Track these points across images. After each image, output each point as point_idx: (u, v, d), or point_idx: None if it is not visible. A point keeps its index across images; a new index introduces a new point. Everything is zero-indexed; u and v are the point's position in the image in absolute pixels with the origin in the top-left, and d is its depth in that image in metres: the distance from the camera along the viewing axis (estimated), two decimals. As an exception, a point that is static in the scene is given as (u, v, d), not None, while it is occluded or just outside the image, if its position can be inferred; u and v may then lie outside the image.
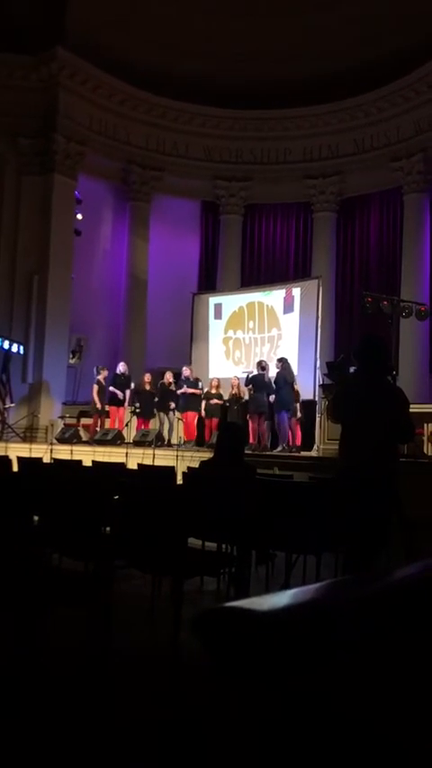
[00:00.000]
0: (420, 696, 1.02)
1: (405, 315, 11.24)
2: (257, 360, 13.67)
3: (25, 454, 10.49)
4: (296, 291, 15.32)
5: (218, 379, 13.72)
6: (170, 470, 6.20)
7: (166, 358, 16.09)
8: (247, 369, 13.70)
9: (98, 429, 13.53)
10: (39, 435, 14.99)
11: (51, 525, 3.98)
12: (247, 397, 12.73)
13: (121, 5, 16.23)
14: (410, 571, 1.17)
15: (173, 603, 3.55)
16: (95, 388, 13.69)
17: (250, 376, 12.47)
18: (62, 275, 16.20)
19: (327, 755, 0.88)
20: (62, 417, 15.03)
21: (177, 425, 13.27)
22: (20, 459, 7.07)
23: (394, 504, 4.35)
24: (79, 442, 13.17)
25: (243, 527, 4.20)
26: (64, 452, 11.61)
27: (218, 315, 16.49)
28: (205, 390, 13.34)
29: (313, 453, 11.76)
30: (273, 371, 12.42)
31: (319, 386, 12.70)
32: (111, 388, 13.62)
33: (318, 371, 13.57)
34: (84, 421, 14.47)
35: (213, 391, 13.30)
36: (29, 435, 14.87)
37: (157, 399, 13.41)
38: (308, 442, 12.46)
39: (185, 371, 13.40)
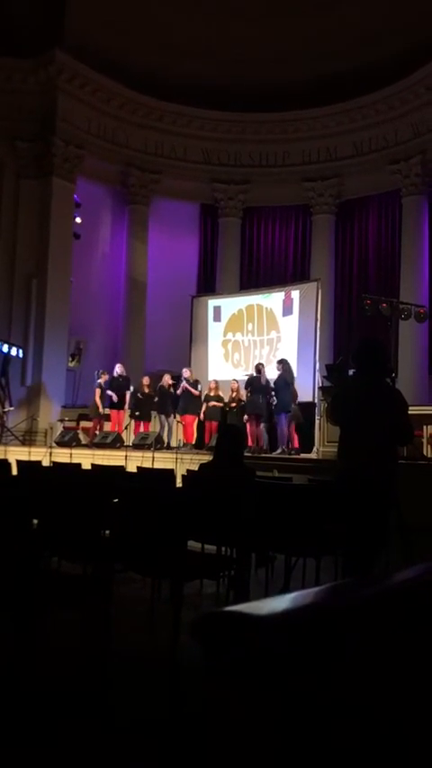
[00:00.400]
0: (421, 697, 1.02)
1: (404, 317, 11.24)
2: (257, 362, 13.68)
3: (24, 457, 10.50)
4: (295, 294, 15.34)
5: (216, 382, 13.72)
6: (169, 473, 6.20)
7: (166, 361, 16.09)
8: (247, 372, 13.72)
9: (97, 432, 13.54)
10: (38, 439, 14.99)
11: (50, 528, 3.98)
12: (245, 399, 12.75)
13: (120, 8, 16.26)
14: (410, 574, 1.17)
15: (172, 607, 3.54)
16: (98, 392, 13.71)
17: (249, 378, 12.49)
18: (61, 278, 16.21)
19: (327, 757, 0.88)
20: (61, 420, 15.03)
21: (177, 428, 13.28)
22: (19, 462, 7.07)
23: (393, 507, 4.35)
24: (78, 445, 13.17)
25: (242, 530, 4.20)
26: (63, 456, 11.60)
27: (217, 317, 16.50)
28: (204, 393, 13.35)
29: (312, 456, 11.76)
30: (272, 373, 12.44)
31: (319, 388, 12.71)
32: (108, 392, 13.64)
33: (317, 374, 13.58)
34: (83, 424, 14.48)
35: (212, 394, 13.30)
36: (28, 439, 14.86)
37: (156, 400, 13.43)
38: (307, 445, 12.46)
39: (185, 373, 13.42)
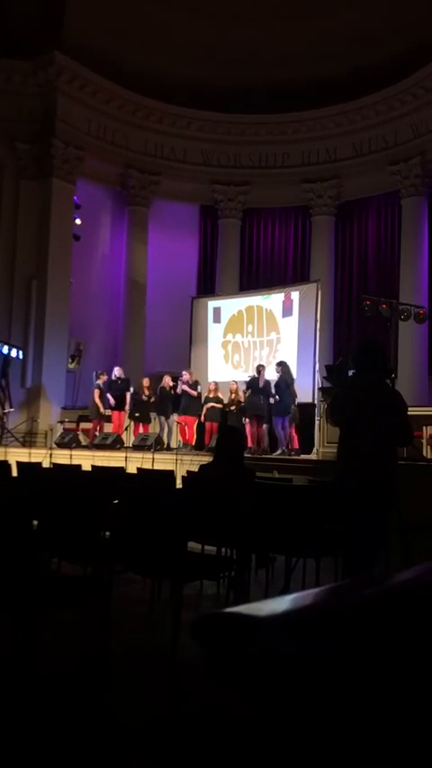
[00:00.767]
0: (421, 698, 1.02)
1: (403, 318, 11.23)
2: (257, 363, 13.68)
3: (24, 459, 10.50)
4: (295, 295, 15.34)
5: (216, 383, 13.72)
6: (170, 474, 6.20)
7: (166, 362, 16.10)
8: (247, 373, 13.72)
9: (97, 433, 13.54)
10: (38, 440, 14.99)
11: (50, 529, 3.98)
12: (244, 401, 12.76)
13: (119, 10, 16.26)
14: (410, 574, 1.17)
15: (172, 607, 3.55)
16: (96, 392, 13.72)
17: (250, 379, 12.49)
18: (61, 280, 16.22)
19: (327, 758, 0.88)
20: (61, 422, 15.03)
21: (176, 429, 13.28)
22: (19, 463, 7.07)
23: (393, 507, 4.35)
24: (78, 446, 13.17)
25: (242, 531, 4.20)
26: (63, 457, 11.60)
27: (217, 318, 16.50)
28: (204, 394, 13.34)
29: (312, 456, 11.76)
30: (271, 375, 12.43)
31: (319, 389, 12.72)
32: (107, 395, 13.66)
33: (317, 375, 13.59)
34: (83, 425, 14.49)
35: (212, 395, 13.30)
36: (28, 440, 14.86)
37: (154, 401, 13.43)
38: (307, 446, 12.46)
39: (185, 375, 13.41)
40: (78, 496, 4.09)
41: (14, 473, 6.34)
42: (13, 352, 15.09)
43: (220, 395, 13.33)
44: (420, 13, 14.94)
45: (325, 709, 0.88)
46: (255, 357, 15.53)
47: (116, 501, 4.11)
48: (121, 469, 7.50)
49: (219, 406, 13.12)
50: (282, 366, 12.24)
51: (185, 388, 13.07)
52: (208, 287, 18.58)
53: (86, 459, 10.58)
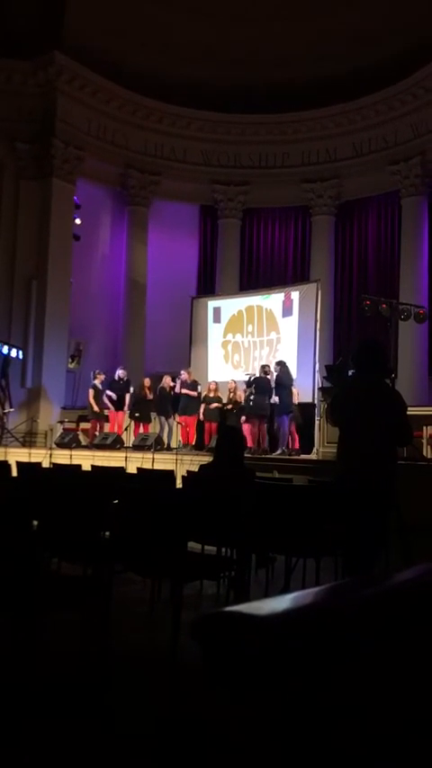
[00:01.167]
0: (421, 698, 1.02)
1: (403, 317, 11.23)
2: (257, 363, 13.69)
3: (24, 459, 10.50)
4: (295, 295, 15.34)
5: (216, 383, 13.73)
6: (170, 474, 6.20)
7: (166, 362, 16.09)
8: (247, 372, 13.70)
9: (97, 433, 13.54)
10: (38, 440, 14.98)
11: (50, 530, 3.98)
12: (243, 400, 12.75)
13: (119, 10, 16.26)
14: (410, 574, 1.17)
15: (172, 607, 3.55)
16: (91, 392, 13.71)
17: (252, 379, 12.47)
18: (61, 280, 16.22)
19: (327, 758, 0.88)
20: (61, 422, 15.02)
21: (176, 429, 13.28)
22: (19, 464, 7.07)
23: (393, 507, 4.35)
24: (78, 446, 13.17)
25: (242, 531, 4.20)
26: (63, 457, 11.61)
27: (217, 318, 16.50)
28: (204, 394, 13.34)
29: (312, 456, 11.76)
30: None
31: (319, 389, 12.72)
32: (108, 392, 13.64)
33: (317, 375, 13.58)
34: (83, 425, 14.49)
35: (212, 395, 13.30)
36: (28, 440, 14.86)
37: (154, 401, 13.43)
38: (307, 446, 12.46)
39: (183, 375, 13.41)
40: (78, 496, 4.09)
41: (14, 473, 6.35)
42: (13, 352, 15.08)
43: (220, 395, 13.33)
44: (420, 13, 14.93)
45: (325, 709, 0.88)
46: (255, 357, 15.53)
47: (116, 501, 4.11)
48: (121, 469, 7.50)
49: (218, 405, 13.13)
50: (281, 366, 12.25)
51: (183, 388, 13.07)
52: (208, 287, 18.58)
53: (86, 459, 10.58)
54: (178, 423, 13.21)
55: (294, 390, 12.45)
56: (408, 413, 4.43)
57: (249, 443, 11.84)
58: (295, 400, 12.43)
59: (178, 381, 13.20)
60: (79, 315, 16.79)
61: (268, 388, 12.16)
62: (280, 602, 0.95)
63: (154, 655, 3.75)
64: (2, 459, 9.83)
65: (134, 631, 4.21)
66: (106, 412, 13.80)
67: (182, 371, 13.59)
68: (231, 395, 13.09)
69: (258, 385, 12.22)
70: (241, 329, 16.11)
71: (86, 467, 7.64)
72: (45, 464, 8.88)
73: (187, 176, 18.26)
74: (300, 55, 16.64)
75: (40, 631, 3.52)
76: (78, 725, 2.84)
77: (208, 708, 0.92)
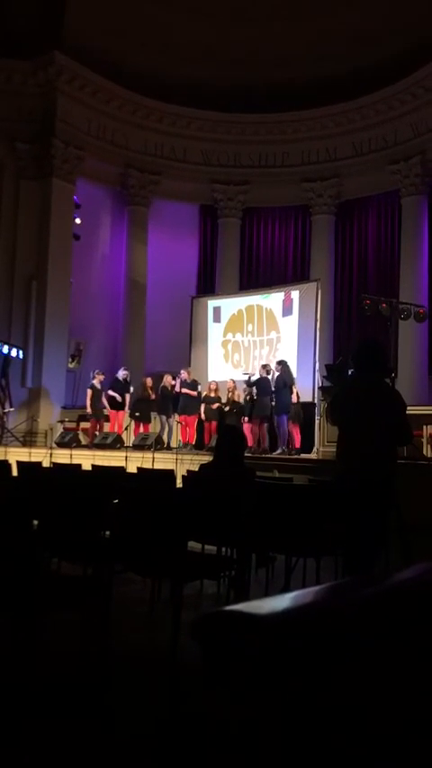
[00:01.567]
0: (421, 698, 1.02)
1: (403, 317, 11.23)
2: (257, 363, 13.69)
3: (25, 459, 10.51)
4: (295, 294, 15.34)
5: (216, 383, 13.73)
6: (170, 474, 6.20)
7: (166, 361, 16.10)
8: (246, 371, 13.71)
9: (97, 433, 13.54)
10: (38, 440, 15.00)
11: (50, 529, 3.98)
12: (242, 400, 12.77)
13: (119, 10, 16.26)
14: (410, 574, 1.17)
15: (172, 607, 3.54)
16: (89, 392, 13.71)
17: (253, 379, 12.47)
18: (61, 280, 16.22)
19: (327, 758, 0.88)
20: (61, 421, 15.04)
21: (177, 429, 13.28)
22: (19, 463, 7.06)
23: (393, 507, 4.35)
24: (79, 446, 13.17)
25: (243, 530, 4.20)
26: (63, 456, 11.61)
27: (217, 318, 16.50)
28: (204, 394, 13.35)
29: (313, 456, 11.77)
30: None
31: (319, 388, 12.72)
32: (109, 392, 13.64)
33: (317, 374, 13.59)
34: (83, 425, 14.48)
35: (212, 395, 13.31)
36: (28, 440, 14.87)
37: (154, 400, 13.43)
38: (307, 445, 12.47)
39: (183, 374, 13.41)
40: (78, 496, 4.09)
41: (14, 473, 6.34)
42: (14, 352, 15.09)
43: (220, 394, 13.34)
44: (420, 13, 14.93)
45: (325, 709, 0.88)
46: (255, 356, 15.54)
47: (116, 501, 4.10)
48: (122, 469, 7.49)
49: (220, 405, 13.14)
50: (282, 365, 12.25)
51: (183, 388, 13.08)
52: (208, 286, 18.57)
53: (86, 459, 10.57)
54: (178, 422, 13.21)
55: (295, 390, 12.46)
56: (408, 412, 4.43)
57: (250, 443, 11.86)
58: (295, 400, 12.43)
59: (178, 381, 13.21)
60: (79, 315, 16.79)
61: (269, 387, 12.19)
62: (280, 602, 0.95)
63: (154, 655, 3.75)
64: (2, 458, 9.82)
65: (134, 631, 4.21)
66: (105, 412, 13.80)
67: (181, 371, 13.60)
68: (230, 394, 13.09)
69: (260, 385, 12.23)
70: (241, 329, 16.12)
71: (87, 466, 7.64)
72: (45, 464, 8.87)
73: (187, 176, 18.26)
74: (300, 55, 16.63)
75: (40, 631, 3.51)
76: (78, 725, 2.84)
77: (208, 708, 0.92)
